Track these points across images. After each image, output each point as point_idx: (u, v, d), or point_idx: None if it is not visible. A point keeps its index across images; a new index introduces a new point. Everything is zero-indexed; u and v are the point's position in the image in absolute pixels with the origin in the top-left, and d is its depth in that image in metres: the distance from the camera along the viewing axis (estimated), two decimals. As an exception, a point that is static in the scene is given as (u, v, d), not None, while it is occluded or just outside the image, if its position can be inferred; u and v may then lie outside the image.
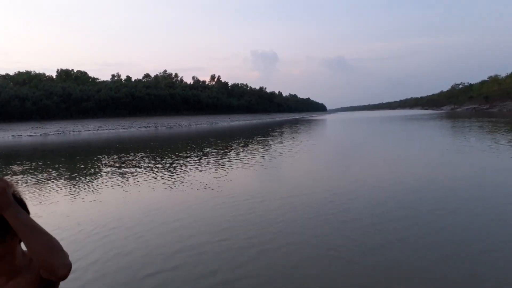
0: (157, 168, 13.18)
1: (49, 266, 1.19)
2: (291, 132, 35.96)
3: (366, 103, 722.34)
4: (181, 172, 11.95)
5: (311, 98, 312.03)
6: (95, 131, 54.45)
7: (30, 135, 47.61)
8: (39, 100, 79.19)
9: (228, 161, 14.31)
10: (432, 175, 9.72)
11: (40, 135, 48.45)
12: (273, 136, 29.42)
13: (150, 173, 11.83)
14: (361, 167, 11.77)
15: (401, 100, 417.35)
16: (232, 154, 16.84)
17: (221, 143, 23.40)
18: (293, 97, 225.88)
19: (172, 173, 11.78)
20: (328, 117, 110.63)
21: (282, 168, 12.21)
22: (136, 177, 11.25)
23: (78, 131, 55.81)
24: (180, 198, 8.26)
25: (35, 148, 26.15)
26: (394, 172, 10.54)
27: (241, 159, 14.56)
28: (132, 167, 13.57)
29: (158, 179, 10.73)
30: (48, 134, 49.14)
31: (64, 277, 1.22)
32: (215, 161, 14.65)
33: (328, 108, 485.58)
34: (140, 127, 62.23)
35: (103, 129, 58.78)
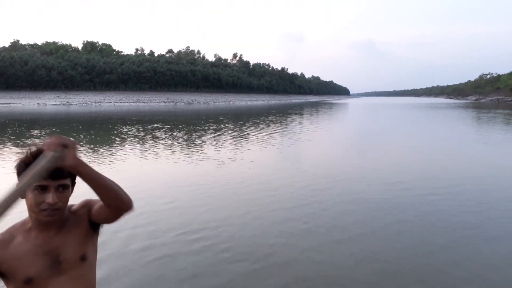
0: (158, 142, 13.97)
1: (124, 202, 1.39)
2: (306, 117, 36.17)
3: (391, 89, 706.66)
4: (179, 148, 12.70)
5: (335, 81, 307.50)
6: (116, 103, 55.94)
7: (54, 104, 49.45)
8: (64, 70, 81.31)
9: (221, 145, 14.91)
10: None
11: (64, 104, 50.23)
12: (284, 121, 29.73)
13: (153, 147, 12.64)
14: (386, 159, 10.73)
15: (426, 88, 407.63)
16: (231, 138, 17.44)
17: (228, 124, 24.02)
18: (315, 79, 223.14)
19: (171, 149, 12.55)
20: (350, 101, 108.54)
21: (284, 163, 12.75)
22: (143, 150, 12.07)
23: (100, 102, 57.46)
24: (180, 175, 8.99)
25: (58, 116, 27.44)
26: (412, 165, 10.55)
27: (233, 145, 15.15)
28: (134, 140, 14.42)
29: (161, 153, 11.51)
30: (71, 104, 50.88)
31: (131, 210, 1.44)
32: (212, 143, 15.29)
33: (351, 92, 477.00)
34: (159, 102, 63.45)
35: (124, 102, 60.26)
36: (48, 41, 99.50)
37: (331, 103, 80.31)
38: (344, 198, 6.42)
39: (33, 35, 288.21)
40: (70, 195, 1.44)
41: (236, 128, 19.82)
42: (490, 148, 13.29)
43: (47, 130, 16.65)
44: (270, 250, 4.29)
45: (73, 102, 54.83)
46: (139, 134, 15.92)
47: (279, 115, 32.50)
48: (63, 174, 1.36)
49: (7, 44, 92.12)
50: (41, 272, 1.42)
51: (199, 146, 12.57)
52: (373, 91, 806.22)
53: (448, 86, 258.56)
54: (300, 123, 24.79)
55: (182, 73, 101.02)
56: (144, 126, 19.51)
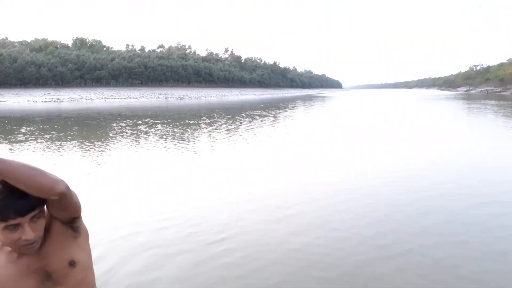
0: (146, 138, 14.22)
1: (44, 187, 1.21)
2: (297, 110, 36.44)
3: (383, 82, 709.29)
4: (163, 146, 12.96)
5: (327, 75, 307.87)
6: (107, 100, 55.78)
7: (44, 101, 49.20)
8: (54, 67, 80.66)
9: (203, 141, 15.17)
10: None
11: (54, 101, 50.00)
12: (274, 114, 29.99)
13: (141, 142, 12.89)
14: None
15: (418, 80, 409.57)
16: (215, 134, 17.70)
17: (218, 121, 24.23)
18: (307, 73, 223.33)
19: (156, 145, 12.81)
20: (342, 94, 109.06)
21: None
22: (131, 146, 12.32)
23: (91, 98, 57.23)
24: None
25: (49, 113, 27.49)
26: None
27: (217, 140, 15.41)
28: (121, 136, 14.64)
29: (150, 149, 11.78)
30: (62, 101, 50.65)
31: (64, 192, 1.24)
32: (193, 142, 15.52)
33: (344, 85, 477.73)
34: (150, 97, 63.35)
35: (115, 98, 60.08)
36: (38, 38, 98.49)
37: (322, 96, 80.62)
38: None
39: (22, 32, 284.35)
40: (45, 220, 1.35)
41: (228, 125, 20.09)
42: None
43: (37, 127, 16.79)
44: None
45: (64, 99, 54.57)
46: (127, 130, 16.14)
47: (273, 109, 32.75)
48: (32, 207, 1.27)
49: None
50: None
51: (188, 143, 12.84)
52: (365, 84, 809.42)
53: (439, 78, 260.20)
54: (292, 119, 25.09)
55: (173, 68, 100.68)
56: (132, 122, 19.71)
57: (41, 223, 1.33)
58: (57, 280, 1.40)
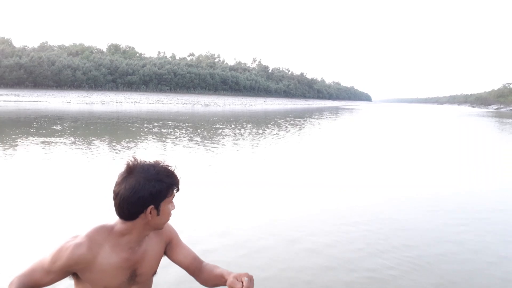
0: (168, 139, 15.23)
1: None
2: (320, 121, 36.74)
3: (414, 97, 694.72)
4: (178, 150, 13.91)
5: (355, 87, 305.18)
6: (136, 104, 57.99)
7: (77, 103, 51.80)
8: (89, 70, 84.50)
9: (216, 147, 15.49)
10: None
11: (87, 103, 52.54)
12: (294, 124, 30.40)
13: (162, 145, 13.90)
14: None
15: (450, 96, 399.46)
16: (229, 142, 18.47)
17: (235, 128, 25.05)
18: (335, 85, 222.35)
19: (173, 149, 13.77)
20: (370, 107, 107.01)
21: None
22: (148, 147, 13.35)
23: (121, 102, 59.68)
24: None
25: (81, 114, 29.24)
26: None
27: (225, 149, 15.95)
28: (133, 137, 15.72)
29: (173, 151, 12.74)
30: (94, 103, 53.14)
31: None
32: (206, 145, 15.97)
33: (373, 99, 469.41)
34: (177, 103, 65.28)
35: (144, 102, 62.32)
36: (75, 42, 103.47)
37: (349, 109, 78.61)
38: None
39: (61, 36, 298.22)
40: None
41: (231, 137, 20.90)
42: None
43: (70, 125, 18.18)
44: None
45: (96, 101, 57.19)
46: (150, 131, 17.28)
47: (298, 120, 33.36)
48: None
49: (36, 45, 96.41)
50: (121, 285, 1.48)
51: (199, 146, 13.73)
52: (396, 98, 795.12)
53: (471, 95, 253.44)
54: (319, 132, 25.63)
55: (201, 76, 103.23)
56: (154, 124, 20.91)
57: None
58: (138, 282, 1.53)
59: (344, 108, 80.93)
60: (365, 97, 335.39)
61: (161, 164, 1.45)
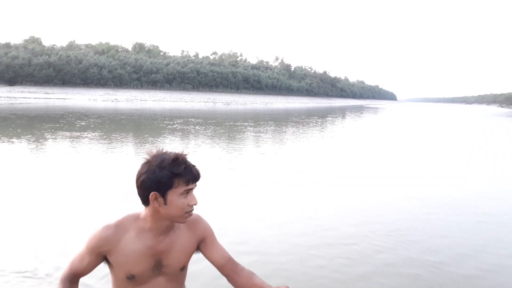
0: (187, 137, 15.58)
1: None
2: (342, 120, 36.48)
3: (440, 96, 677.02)
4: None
5: (380, 86, 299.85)
6: (159, 102, 59.11)
7: (103, 100, 53.29)
8: (114, 69, 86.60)
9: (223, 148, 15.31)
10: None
11: (112, 101, 53.97)
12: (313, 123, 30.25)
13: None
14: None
15: (478, 95, 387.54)
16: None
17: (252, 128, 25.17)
18: (359, 83, 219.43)
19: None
20: (395, 107, 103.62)
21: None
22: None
23: (145, 100, 60.97)
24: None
25: (106, 111, 30.13)
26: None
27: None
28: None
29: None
30: (119, 101, 54.52)
31: None
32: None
33: (398, 98, 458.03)
34: (200, 102, 66.10)
35: (167, 100, 63.43)
36: (101, 41, 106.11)
37: (373, 108, 76.90)
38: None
39: (88, 35, 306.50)
40: None
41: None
42: None
43: (95, 121, 18.86)
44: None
45: (121, 99, 58.68)
46: (171, 128, 17.73)
47: (315, 118, 33.29)
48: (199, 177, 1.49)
49: (64, 44, 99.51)
50: (145, 272, 1.50)
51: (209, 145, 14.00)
52: (421, 97, 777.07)
53: (501, 94, 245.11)
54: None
55: (223, 74, 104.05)
56: (176, 121, 21.38)
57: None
58: (164, 272, 1.55)
59: (368, 107, 79.23)
60: (390, 96, 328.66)
61: (176, 154, 1.43)
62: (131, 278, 1.48)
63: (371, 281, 3.38)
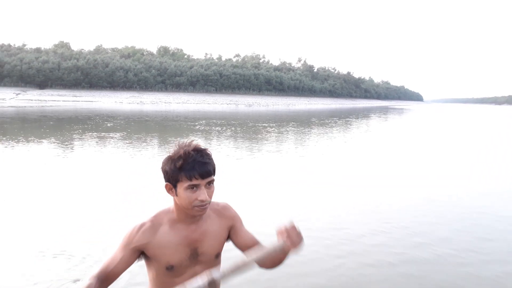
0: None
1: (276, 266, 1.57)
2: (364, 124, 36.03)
3: (469, 96, 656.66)
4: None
5: (406, 86, 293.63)
6: (183, 104, 60.11)
7: (129, 103, 54.67)
8: (140, 72, 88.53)
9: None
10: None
11: (137, 103, 55.30)
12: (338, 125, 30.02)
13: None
14: None
15: (509, 96, 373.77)
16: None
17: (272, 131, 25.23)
18: (384, 84, 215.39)
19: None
20: (422, 108, 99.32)
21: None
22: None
23: (169, 102, 62.12)
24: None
25: (132, 113, 30.95)
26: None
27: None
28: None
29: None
30: (144, 103, 55.79)
31: None
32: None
33: (425, 98, 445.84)
34: (222, 103, 66.82)
35: (191, 103, 64.42)
36: (127, 45, 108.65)
37: (398, 109, 75.11)
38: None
39: (114, 39, 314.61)
40: (214, 189, 1.52)
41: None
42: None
43: (121, 123, 19.48)
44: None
45: (146, 101, 60.00)
46: (194, 129, 18.11)
47: (338, 120, 33.04)
48: (210, 173, 1.47)
49: (92, 48, 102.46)
50: (182, 261, 1.55)
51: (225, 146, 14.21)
52: (449, 97, 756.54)
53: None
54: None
55: (245, 76, 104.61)
56: (198, 122, 21.78)
57: (213, 190, 1.50)
58: (201, 261, 1.59)
59: (393, 108, 77.66)
60: (416, 97, 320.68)
61: (185, 150, 1.45)
62: (170, 268, 1.53)
63: (383, 280, 3.51)
